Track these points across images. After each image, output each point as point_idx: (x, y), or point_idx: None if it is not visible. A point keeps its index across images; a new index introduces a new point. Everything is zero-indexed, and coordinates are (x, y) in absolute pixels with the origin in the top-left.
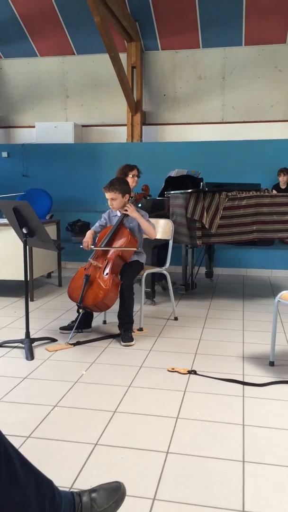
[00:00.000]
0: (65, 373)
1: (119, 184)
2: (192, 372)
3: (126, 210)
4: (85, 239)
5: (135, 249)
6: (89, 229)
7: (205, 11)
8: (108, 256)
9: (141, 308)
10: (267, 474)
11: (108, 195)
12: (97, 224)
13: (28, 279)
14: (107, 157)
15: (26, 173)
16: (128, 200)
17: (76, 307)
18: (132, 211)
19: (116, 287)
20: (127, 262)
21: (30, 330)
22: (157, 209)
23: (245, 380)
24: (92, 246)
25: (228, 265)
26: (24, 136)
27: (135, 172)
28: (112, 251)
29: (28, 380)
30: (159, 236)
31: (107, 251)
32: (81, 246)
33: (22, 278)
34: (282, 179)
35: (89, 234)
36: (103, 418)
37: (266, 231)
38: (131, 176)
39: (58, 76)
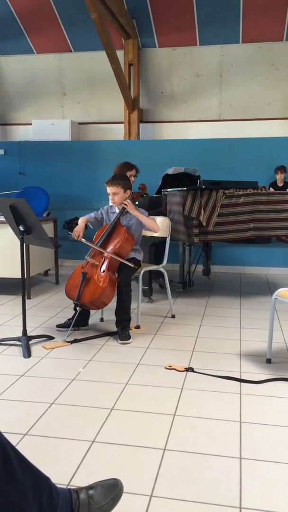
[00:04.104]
0: (62, 371)
1: (122, 179)
2: (190, 369)
3: (125, 205)
4: (77, 228)
5: (121, 260)
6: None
7: (202, 8)
8: (105, 253)
9: (138, 306)
10: (264, 471)
11: (110, 190)
12: (92, 214)
13: (25, 277)
14: (104, 155)
15: (23, 171)
16: (128, 196)
17: (73, 305)
18: (131, 209)
19: (113, 285)
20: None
21: (27, 328)
22: (154, 207)
23: (242, 378)
24: (83, 239)
25: (225, 263)
26: (21, 133)
27: (133, 172)
28: (108, 249)
29: (25, 377)
30: (156, 234)
31: (103, 248)
32: (69, 233)
33: (19, 276)
34: (279, 177)
35: (82, 223)
36: (100, 416)
37: (263, 229)
38: (129, 175)
39: (55, 73)
